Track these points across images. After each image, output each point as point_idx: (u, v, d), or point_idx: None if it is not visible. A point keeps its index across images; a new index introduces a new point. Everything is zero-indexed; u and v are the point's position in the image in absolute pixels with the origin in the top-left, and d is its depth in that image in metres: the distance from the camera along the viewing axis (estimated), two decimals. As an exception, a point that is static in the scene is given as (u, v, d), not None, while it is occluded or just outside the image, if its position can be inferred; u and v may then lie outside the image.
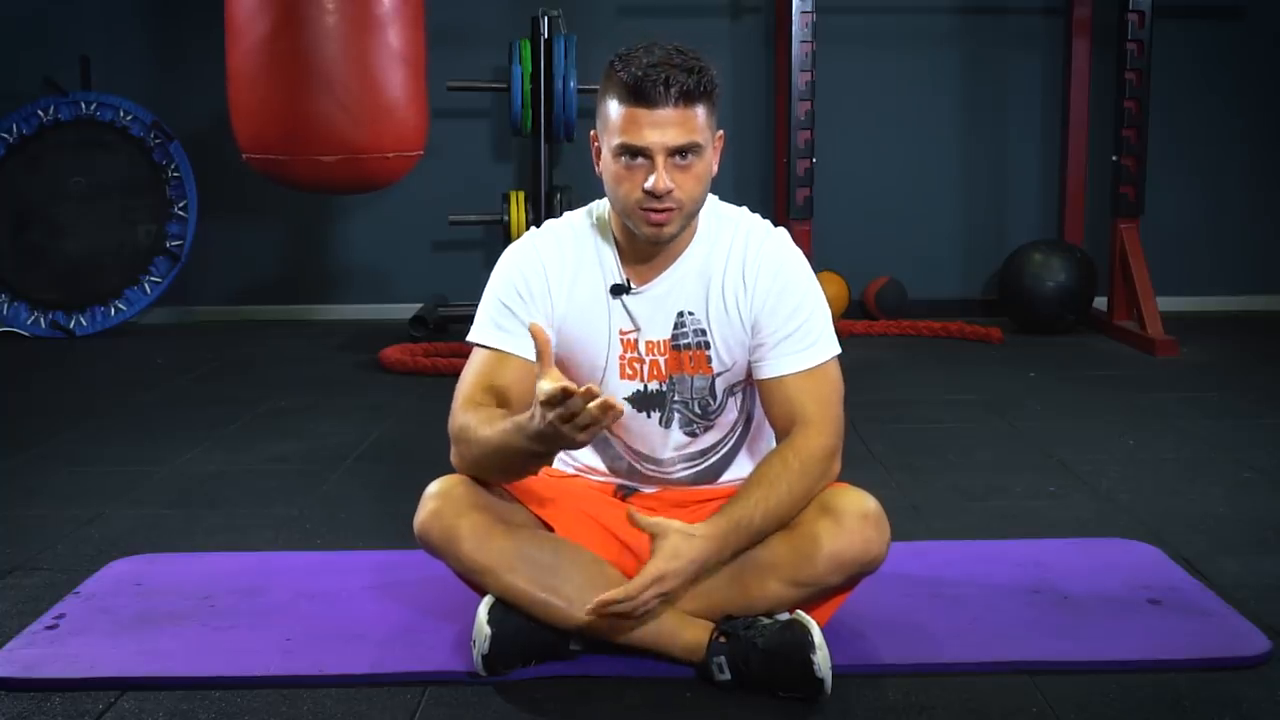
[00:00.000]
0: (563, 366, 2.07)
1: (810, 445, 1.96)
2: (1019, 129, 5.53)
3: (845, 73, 5.32)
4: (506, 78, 4.85)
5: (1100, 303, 5.15)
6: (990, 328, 4.99)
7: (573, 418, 1.71)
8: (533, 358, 1.98)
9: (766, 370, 2.02)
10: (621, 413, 1.74)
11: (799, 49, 4.87)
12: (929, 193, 5.54)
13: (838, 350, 2.04)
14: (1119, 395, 4.01)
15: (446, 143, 5.19)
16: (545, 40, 4.73)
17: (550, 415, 1.72)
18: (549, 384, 1.72)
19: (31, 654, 2.06)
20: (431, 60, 4.47)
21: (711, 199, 2.06)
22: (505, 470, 1.95)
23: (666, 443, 2.10)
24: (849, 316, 5.25)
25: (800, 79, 4.87)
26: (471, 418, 1.93)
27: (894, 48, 5.46)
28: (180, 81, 5.35)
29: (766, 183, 5.43)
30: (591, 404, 1.69)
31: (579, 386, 1.70)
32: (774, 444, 2.06)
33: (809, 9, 4.84)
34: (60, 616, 2.20)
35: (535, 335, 1.78)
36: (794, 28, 4.85)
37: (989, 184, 5.57)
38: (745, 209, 2.11)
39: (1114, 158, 4.97)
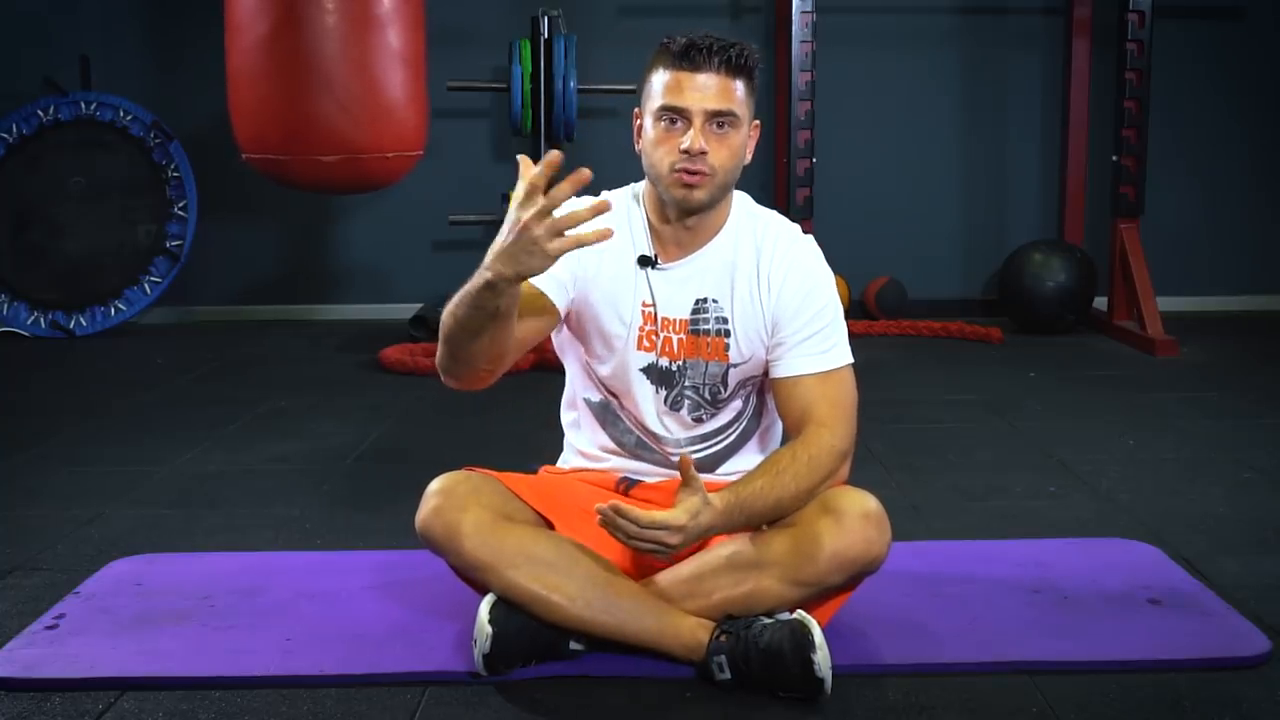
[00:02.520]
0: (584, 333, 2.08)
1: (821, 443, 1.99)
2: (1019, 129, 5.53)
3: (845, 73, 5.32)
4: (506, 78, 4.85)
5: (1100, 303, 5.15)
6: (990, 328, 4.98)
7: (548, 214, 1.68)
8: (541, 287, 1.98)
9: (783, 369, 2.06)
10: (607, 207, 1.74)
11: (799, 49, 4.87)
12: (929, 193, 5.54)
13: (852, 360, 2.09)
14: (1119, 395, 4.01)
15: (446, 143, 5.19)
16: (545, 40, 4.73)
17: (526, 214, 1.68)
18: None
19: (31, 654, 2.06)
20: (431, 60, 4.47)
21: (746, 198, 2.12)
22: (470, 328, 1.83)
23: (674, 422, 2.13)
24: (849, 316, 5.19)
25: (800, 79, 4.88)
26: None
27: (894, 48, 5.46)
28: (180, 81, 5.35)
29: (766, 183, 5.42)
30: (583, 207, 1.69)
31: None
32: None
33: (809, 9, 4.85)
34: (60, 616, 2.20)
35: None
36: (794, 28, 4.85)
37: (989, 184, 5.56)
38: (776, 212, 2.15)
39: (1114, 158, 4.96)
